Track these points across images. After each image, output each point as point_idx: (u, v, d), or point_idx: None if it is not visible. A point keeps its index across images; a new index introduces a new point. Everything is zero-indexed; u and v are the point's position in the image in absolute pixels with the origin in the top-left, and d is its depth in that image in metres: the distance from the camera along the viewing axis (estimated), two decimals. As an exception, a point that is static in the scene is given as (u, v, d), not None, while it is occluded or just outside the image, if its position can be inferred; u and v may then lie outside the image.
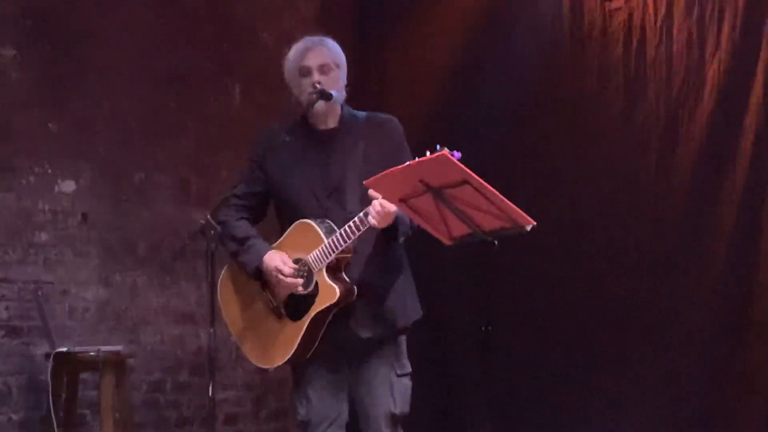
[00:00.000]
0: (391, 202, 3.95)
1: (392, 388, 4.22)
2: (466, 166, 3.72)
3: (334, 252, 4.08)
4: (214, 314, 4.14)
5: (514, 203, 3.75)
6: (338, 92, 4.26)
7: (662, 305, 5.88)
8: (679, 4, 5.80)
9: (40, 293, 6.22)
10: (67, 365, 6.02)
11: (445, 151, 3.75)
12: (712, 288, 5.67)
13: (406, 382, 4.27)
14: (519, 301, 6.45)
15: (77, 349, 6.07)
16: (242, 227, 4.35)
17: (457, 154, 3.79)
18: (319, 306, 4.12)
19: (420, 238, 4.26)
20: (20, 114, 6.38)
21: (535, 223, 3.76)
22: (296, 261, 4.20)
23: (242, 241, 4.31)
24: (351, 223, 4.03)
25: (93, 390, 6.27)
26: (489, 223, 3.84)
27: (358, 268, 4.17)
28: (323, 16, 7.54)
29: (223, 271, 4.41)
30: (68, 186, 6.54)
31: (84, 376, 6.24)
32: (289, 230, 4.27)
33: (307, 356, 4.20)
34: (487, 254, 5.60)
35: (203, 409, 6.81)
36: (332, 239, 4.08)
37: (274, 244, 4.30)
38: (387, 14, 7.44)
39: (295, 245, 4.21)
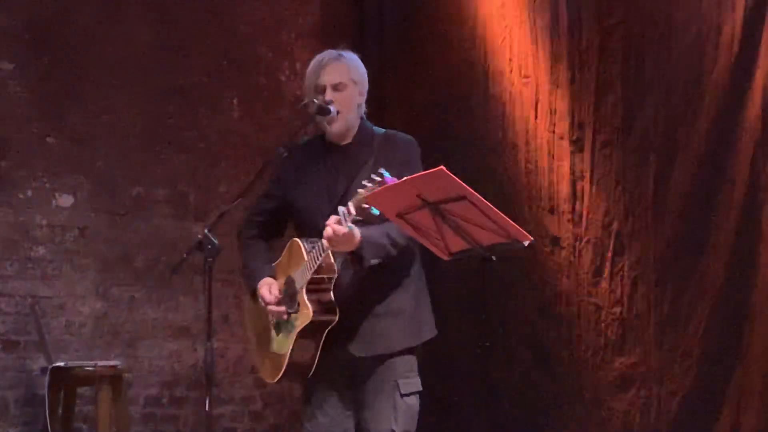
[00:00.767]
0: (390, 216, 3.92)
1: (395, 408, 4.18)
2: (462, 182, 3.72)
3: (310, 272, 4.06)
4: (211, 328, 4.13)
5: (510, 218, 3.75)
6: (349, 109, 4.22)
7: (660, 320, 5.87)
8: (678, 17, 5.80)
9: (37, 307, 6.22)
10: (64, 380, 6.01)
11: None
12: (711, 302, 5.66)
13: (411, 401, 4.21)
14: (517, 317, 6.44)
15: (74, 363, 6.06)
16: (251, 248, 4.37)
17: (391, 180, 3.80)
18: (299, 326, 4.11)
19: (419, 252, 4.25)
20: (18, 128, 6.39)
21: (532, 239, 3.76)
22: (287, 279, 4.19)
23: (246, 265, 4.35)
24: (319, 243, 4.01)
25: (90, 405, 6.26)
26: (487, 239, 3.83)
27: (345, 288, 4.13)
28: (322, 31, 7.55)
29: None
30: (66, 200, 6.54)
31: (81, 390, 6.23)
32: (286, 247, 4.28)
33: (310, 373, 4.18)
34: (485, 269, 5.61)
35: (200, 424, 6.80)
36: (309, 258, 4.07)
37: (276, 262, 4.32)
38: (386, 30, 7.45)
39: (289, 263, 4.22)
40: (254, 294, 4.28)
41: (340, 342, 4.14)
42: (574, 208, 6.18)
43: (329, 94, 4.19)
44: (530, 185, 6.41)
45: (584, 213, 6.14)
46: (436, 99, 7.08)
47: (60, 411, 6.05)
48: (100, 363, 6.02)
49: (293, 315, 4.14)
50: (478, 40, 6.82)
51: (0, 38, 6.35)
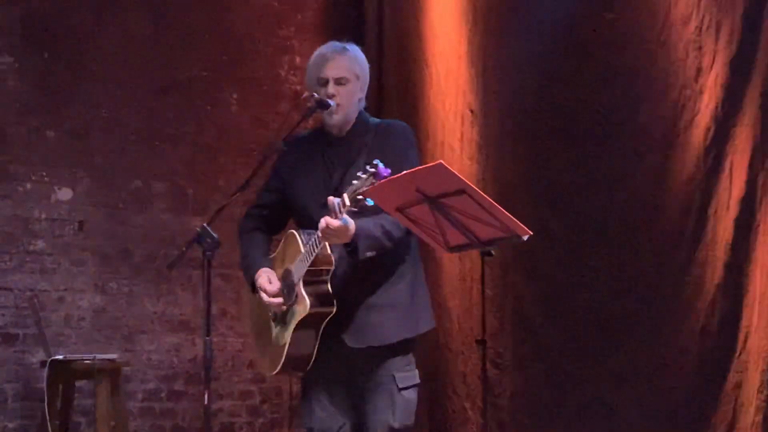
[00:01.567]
0: (389, 210, 3.92)
1: (393, 401, 4.18)
2: (461, 176, 3.71)
3: (306, 262, 4.06)
4: (209, 323, 4.13)
5: (510, 213, 3.75)
6: (349, 103, 4.23)
7: (658, 316, 5.87)
8: (677, 13, 5.80)
9: (35, 301, 6.22)
10: (63, 373, 6.01)
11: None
12: (708, 300, 5.66)
13: (409, 395, 4.21)
14: (515, 312, 6.44)
15: (73, 357, 6.06)
16: (249, 240, 4.36)
17: (385, 171, 3.79)
18: (297, 317, 4.11)
19: (418, 247, 4.25)
20: (17, 121, 6.39)
21: (531, 233, 3.75)
22: (285, 272, 4.19)
23: (244, 257, 4.34)
24: (315, 235, 4.01)
25: (88, 398, 6.26)
26: (486, 233, 3.82)
27: (342, 279, 4.13)
28: (321, 25, 7.55)
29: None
30: (65, 194, 6.54)
31: (79, 384, 6.23)
32: (282, 240, 4.28)
33: (308, 366, 4.18)
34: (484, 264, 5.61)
35: (198, 418, 6.80)
36: (306, 250, 4.07)
37: (273, 255, 4.31)
38: (387, 25, 7.44)
39: (286, 256, 4.22)
40: (254, 285, 4.28)
41: (335, 334, 4.15)
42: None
43: (332, 88, 4.20)
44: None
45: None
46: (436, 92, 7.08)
47: (59, 404, 6.05)
48: (99, 356, 6.02)
49: (292, 307, 4.14)
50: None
51: (-1, 32, 6.35)
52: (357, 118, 4.29)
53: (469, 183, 3.70)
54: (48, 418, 5.88)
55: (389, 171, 3.79)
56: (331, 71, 4.21)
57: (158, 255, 6.81)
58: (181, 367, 6.92)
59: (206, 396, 4.13)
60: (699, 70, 5.73)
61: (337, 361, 4.20)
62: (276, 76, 7.44)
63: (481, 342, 5.30)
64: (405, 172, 3.82)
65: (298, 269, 4.10)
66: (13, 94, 6.38)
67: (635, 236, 5.97)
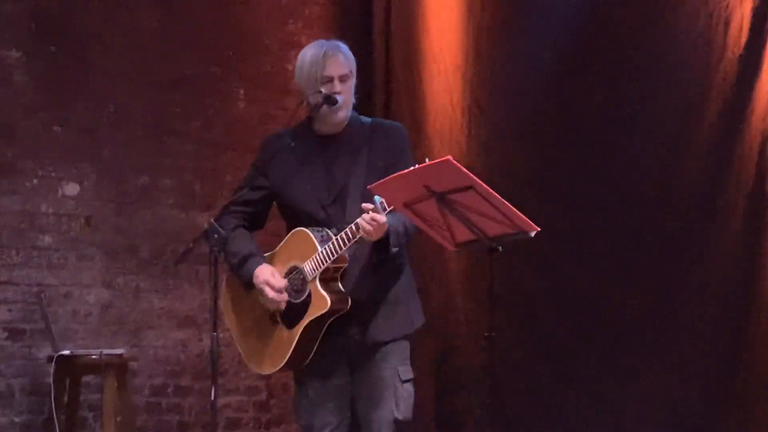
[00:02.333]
0: (395, 206, 3.94)
1: (396, 395, 4.22)
2: (469, 173, 3.71)
3: (327, 261, 4.07)
4: (216, 318, 4.14)
5: (518, 209, 3.75)
6: (351, 100, 4.26)
7: (668, 311, 5.87)
8: (685, 9, 5.79)
9: (43, 296, 6.22)
10: (70, 368, 6.02)
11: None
12: (717, 294, 5.66)
13: (409, 388, 4.27)
14: (522, 308, 6.44)
15: (80, 352, 6.07)
16: (237, 238, 4.32)
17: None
18: (311, 315, 4.12)
19: (424, 243, 4.26)
20: (25, 116, 6.39)
21: (539, 229, 3.76)
22: (291, 269, 4.19)
23: (235, 254, 4.29)
24: (343, 233, 4.02)
25: (95, 393, 6.27)
26: (493, 229, 3.83)
27: (355, 276, 4.15)
28: (328, 20, 7.54)
29: (225, 278, 4.40)
30: (72, 189, 6.54)
31: (86, 379, 6.23)
32: (286, 237, 4.27)
33: (305, 363, 4.19)
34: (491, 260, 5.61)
35: (205, 413, 6.81)
36: (325, 248, 4.07)
37: (272, 252, 4.30)
38: (394, 19, 7.43)
39: (291, 253, 4.21)
40: (248, 283, 4.26)
41: (340, 330, 4.16)
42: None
43: (338, 86, 4.21)
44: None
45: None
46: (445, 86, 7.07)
47: (65, 399, 6.06)
48: (106, 352, 6.03)
49: (301, 304, 4.14)
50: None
51: (7, 26, 6.33)
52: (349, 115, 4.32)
53: (477, 179, 3.70)
54: (55, 412, 5.89)
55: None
56: (335, 69, 4.24)
57: (165, 251, 6.80)
58: (188, 362, 6.92)
59: (213, 391, 4.14)
60: (708, 65, 5.72)
61: (337, 356, 4.22)
62: (283, 71, 7.42)
63: (489, 338, 5.28)
64: (413, 167, 3.83)
65: (313, 267, 4.10)
66: (21, 88, 6.38)
67: (644, 232, 5.97)
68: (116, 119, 6.72)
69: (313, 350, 4.16)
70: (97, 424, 6.36)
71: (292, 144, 4.27)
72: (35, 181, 6.40)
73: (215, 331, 4.12)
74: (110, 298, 6.63)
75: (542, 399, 6.35)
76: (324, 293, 4.08)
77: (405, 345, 4.29)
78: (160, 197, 6.88)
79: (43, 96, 6.45)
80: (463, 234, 3.90)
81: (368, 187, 3.95)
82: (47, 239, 6.43)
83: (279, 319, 4.23)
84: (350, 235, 4.00)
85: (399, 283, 4.27)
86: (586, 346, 6.16)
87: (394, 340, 4.24)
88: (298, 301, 4.16)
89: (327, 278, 4.12)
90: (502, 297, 6.37)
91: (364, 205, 3.96)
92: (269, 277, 4.20)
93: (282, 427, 7.31)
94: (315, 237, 4.13)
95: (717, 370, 5.67)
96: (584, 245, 6.22)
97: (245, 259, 4.26)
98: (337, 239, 4.04)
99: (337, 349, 4.20)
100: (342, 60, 4.26)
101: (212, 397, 4.16)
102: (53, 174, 6.47)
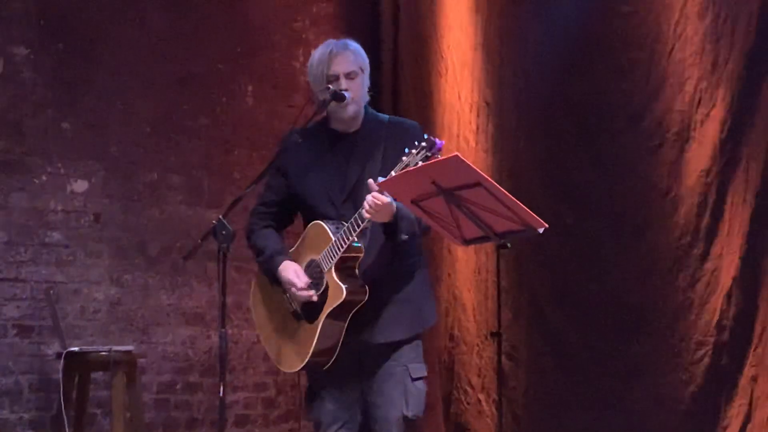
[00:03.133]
0: (404, 203, 3.94)
1: (406, 392, 4.22)
2: (477, 169, 3.72)
3: (339, 250, 4.08)
4: (225, 315, 4.14)
5: (526, 206, 3.74)
6: (361, 96, 4.26)
7: (673, 309, 5.87)
8: (693, 6, 5.79)
9: (51, 293, 6.23)
10: (79, 365, 6.02)
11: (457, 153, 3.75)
12: (724, 293, 5.66)
13: (421, 386, 4.26)
14: (529, 305, 6.44)
15: (88, 348, 6.07)
16: (264, 236, 4.37)
17: (440, 143, 3.85)
18: (329, 306, 4.12)
19: (432, 241, 4.26)
20: (33, 113, 6.39)
21: (547, 226, 3.75)
22: (310, 262, 4.20)
23: (261, 251, 4.34)
24: (353, 219, 4.04)
25: (104, 390, 6.28)
26: (501, 226, 3.83)
27: (369, 271, 4.16)
28: (336, 17, 7.54)
29: (255, 277, 4.44)
30: (80, 186, 6.55)
31: (95, 375, 6.24)
32: (305, 232, 4.29)
33: (331, 359, 4.19)
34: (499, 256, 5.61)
35: (213, 410, 6.82)
36: (337, 237, 4.09)
37: (293, 248, 4.32)
38: (402, 16, 7.43)
39: (310, 246, 4.22)
40: (274, 280, 4.28)
41: (352, 328, 4.16)
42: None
43: (344, 83, 4.21)
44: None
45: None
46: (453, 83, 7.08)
47: (74, 396, 6.06)
48: (115, 348, 6.03)
49: (320, 298, 4.15)
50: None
51: (15, 24, 6.34)
52: (365, 112, 4.31)
53: (485, 175, 3.70)
54: (63, 409, 5.89)
55: (443, 142, 3.80)
56: (340, 66, 4.24)
57: (174, 247, 6.81)
58: (197, 359, 6.93)
59: (221, 388, 4.14)
60: (715, 63, 5.72)
61: (348, 354, 4.22)
62: (291, 68, 7.44)
63: (496, 335, 5.29)
64: (421, 163, 3.84)
65: (328, 257, 4.12)
66: (29, 85, 6.39)
67: (651, 229, 5.96)
68: (124, 116, 6.73)
69: (338, 346, 4.16)
70: (105, 421, 6.37)
71: (307, 142, 4.28)
72: (44, 178, 6.41)
73: (223, 327, 4.12)
74: (119, 295, 6.64)
75: (550, 396, 6.36)
76: (339, 283, 4.09)
77: (417, 343, 4.28)
78: (168, 194, 6.89)
79: (52, 93, 6.46)
80: (472, 231, 3.90)
81: (376, 183, 3.95)
82: (56, 236, 6.44)
83: (300, 313, 4.24)
84: (359, 221, 4.01)
85: (411, 282, 4.26)
86: (592, 342, 6.16)
87: (405, 339, 4.24)
88: (319, 293, 4.18)
89: (343, 268, 4.13)
90: (509, 294, 6.39)
91: (369, 181, 3.96)
92: (292, 275, 4.20)
93: (290, 424, 7.32)
94: (329, 228, 4.15)
95: (724, 364, 5.67)
96: (592, 242, 6.21)
97: (270, 258, 4.29)
98: (347, 226, 4.05)
99: (348, 346, 4.20)
100: (349, 57, 4.26)
101: (221, 394, 4.16)
102: (62, 171, 6.48)
